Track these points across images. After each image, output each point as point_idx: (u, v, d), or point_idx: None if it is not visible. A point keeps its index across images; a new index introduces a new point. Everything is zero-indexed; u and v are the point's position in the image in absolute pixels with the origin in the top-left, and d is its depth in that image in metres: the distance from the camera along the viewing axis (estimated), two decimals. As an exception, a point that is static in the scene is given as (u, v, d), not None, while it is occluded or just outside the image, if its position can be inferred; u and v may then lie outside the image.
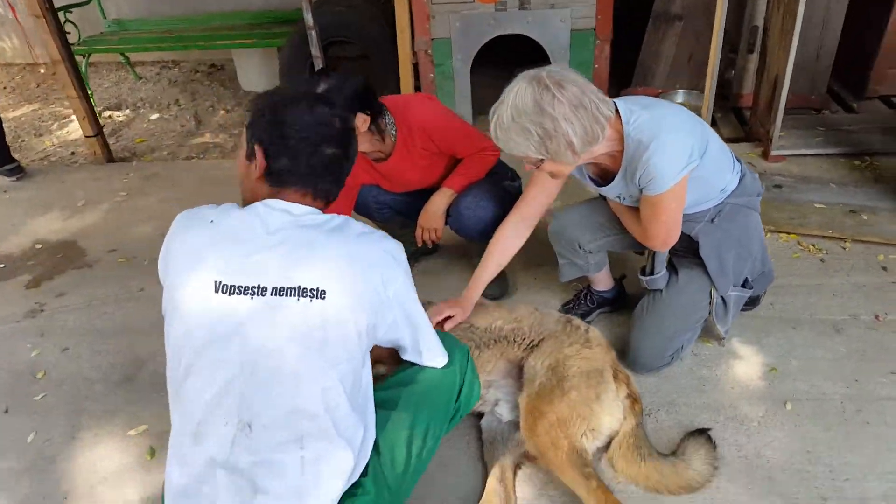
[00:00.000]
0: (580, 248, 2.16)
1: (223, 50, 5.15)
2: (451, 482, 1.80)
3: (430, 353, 1.51)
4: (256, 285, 1.23)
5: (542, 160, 1.71)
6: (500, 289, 2.54)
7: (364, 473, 1.31)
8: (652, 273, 2.06)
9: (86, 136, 4.06)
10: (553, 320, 1.99)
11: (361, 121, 2.07)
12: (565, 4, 3.50)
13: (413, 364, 1.54)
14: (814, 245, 2.66)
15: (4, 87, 5.83)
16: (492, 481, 1.74)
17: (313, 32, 3.35)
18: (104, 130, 4.22)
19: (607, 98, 1.70)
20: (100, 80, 5.74)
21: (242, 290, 1.23)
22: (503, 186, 2.43)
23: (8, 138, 4.00)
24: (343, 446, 1.24)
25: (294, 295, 1.22)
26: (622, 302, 2.42)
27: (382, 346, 1.46)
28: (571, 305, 2.41)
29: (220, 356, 1.21)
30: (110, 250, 3.08)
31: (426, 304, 1.59)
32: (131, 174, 3.89)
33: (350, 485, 1.28)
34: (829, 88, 3.87)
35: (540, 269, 2.64)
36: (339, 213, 1.42)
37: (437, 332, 1.55)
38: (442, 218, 2.37)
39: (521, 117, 1.62)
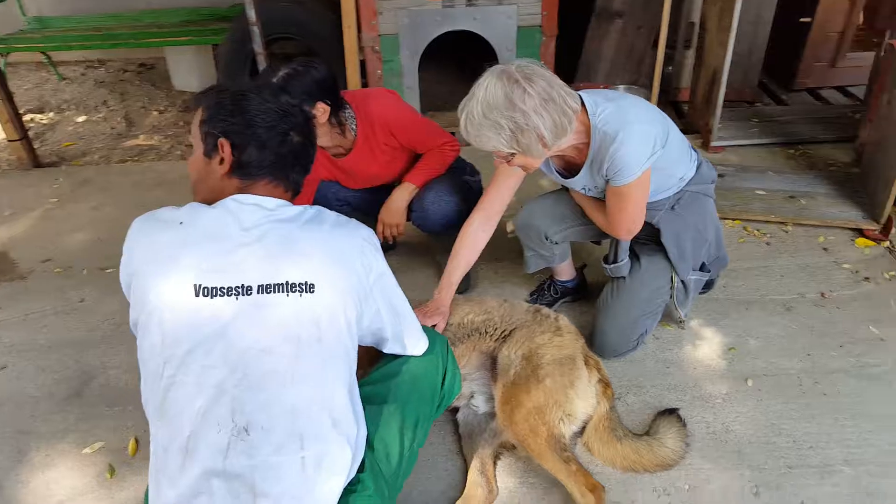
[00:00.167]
0: (546, 239, 2.18)
1: (153, 48, 4.93)
2: (431, 477, 1.79)
3: (413, 338, 1.49)
4: (240, 285, 1.17)
5: (513, 154, 1.71)
6: (463, 284, 2.53)
7: (360, 469, 1.28)
8: (615, 261, 2.10)
9: (9, 140, 3.80)
10: (522, 310, 2.00)
11: (321, 110, 2.02)
12: (512, 1, 3.53)
13: (394, 358, 1.52)
14: (758, 230, 2.79)
15: None
16: (472, 473, 1.74)
17: (256, 28, 3.25)
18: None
19: (573, 91, 1.73)
20: (19, 82, 5.39)
21: (225, 290, 1.17)
22: (464, 181, 2.42)
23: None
24: (342, 444, 1.21)
25: (283, 291, 1.18)
26: (584, 291, 2.47)
27: (363, 344, 1.43)
28: (536, 296, 2.43)
29: (206, 362, 1.15)
30: (44, 260, 2.88)
31: None
32: (61, 179, 3.67)
33: (348, 481, 1.24)
34: (759, 82, 4.07)
35: (499, 264, 2.65)
36: None
37: None
38: (404, 213, 2.35)
39: (492, 112, 1.62)
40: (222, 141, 1.27)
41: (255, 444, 1.15)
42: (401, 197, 2.32)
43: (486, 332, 1.94)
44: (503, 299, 2.05)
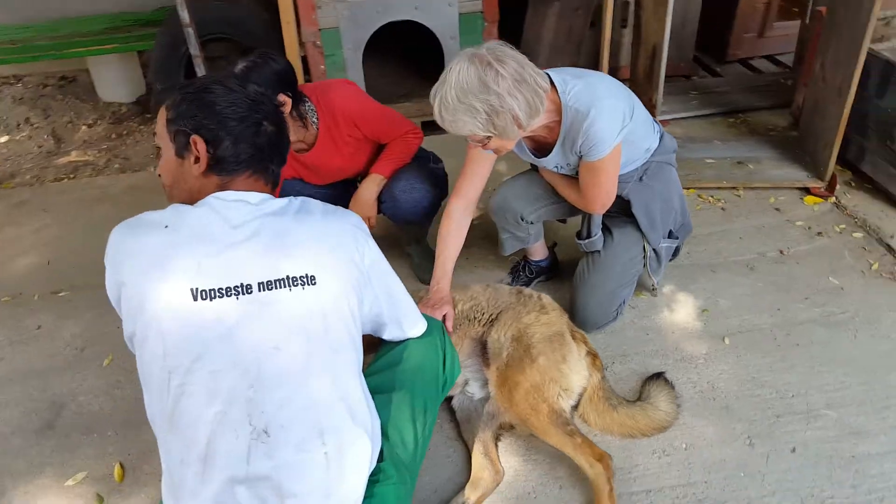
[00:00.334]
0: (522, 219, 2.20)
1: (74, 60, 4.65)
2: (435, 465, 1.78)
3: (410, 320, 1.49)
4: (239, 284, 1.14)
5: (489, 137, 1.71)
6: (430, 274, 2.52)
7: (380, 458, 1.27)
8: (589, 236, 2.14)
9: (-72, 166, 3.53)
10: (506, 293, 2.02)
11: (284, 103, 1.97)
12: (452, -12, 3.53)
13: (394, 346, 1.51)
14: (713, 196, 2.90)
15: None
16: (477, 456, 1.74)
17: (190, 30, 3.12)
18: (-55, 158, 3.70)
19: (541, 70, 1.74)
20: (-76, 103, 5.00)
21: (224, 291, 1.13)
22: (430, 169, 2.41)
23: None
24: (361, 435, 1.20)
25: (285, 286, 1.15)
26: (556, 269, 2.51)
27: (364, 332, 1.41)
28: (511, 278, 2.45)
29: (214, 367, 1.11)
30: (-11, 289, 2.70)
31: None
32: (-7, 204, 3.44)
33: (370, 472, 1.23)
34: (693, 56, 4.21)
35: (469, 251, 2.65)
36: None
37: None
38: (374, 205, 2.32)
39: (466, 96, 1.61)
40: (195, 138, 1.22)
41: (276, 443, 1.12)
42: (369, 188, 2.28)
43: (475, 318, 1.94)
44: (486, 284, 2.06)
